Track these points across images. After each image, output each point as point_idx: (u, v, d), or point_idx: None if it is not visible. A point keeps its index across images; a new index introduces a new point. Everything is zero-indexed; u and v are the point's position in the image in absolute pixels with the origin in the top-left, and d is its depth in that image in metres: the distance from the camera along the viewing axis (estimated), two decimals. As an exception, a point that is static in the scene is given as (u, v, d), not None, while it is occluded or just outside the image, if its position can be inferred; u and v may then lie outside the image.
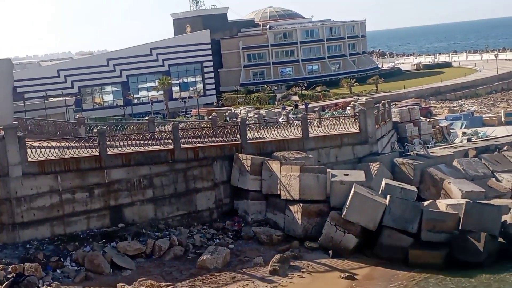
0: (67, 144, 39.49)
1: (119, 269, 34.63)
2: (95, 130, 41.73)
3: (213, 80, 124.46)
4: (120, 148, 39.37)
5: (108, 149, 38.53)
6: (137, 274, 33.98)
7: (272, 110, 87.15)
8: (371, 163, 42.24)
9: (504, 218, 35.75)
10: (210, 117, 53.77)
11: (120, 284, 32.30)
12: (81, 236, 36.86)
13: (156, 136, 41.97)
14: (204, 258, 34.96)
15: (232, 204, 41.33)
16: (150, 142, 40.96)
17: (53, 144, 39.11)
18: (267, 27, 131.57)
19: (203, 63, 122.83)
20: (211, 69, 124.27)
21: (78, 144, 39.23)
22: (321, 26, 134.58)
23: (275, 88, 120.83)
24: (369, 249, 36.19)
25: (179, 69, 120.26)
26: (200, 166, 40.43)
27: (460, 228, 34.96)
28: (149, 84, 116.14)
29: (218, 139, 42.19)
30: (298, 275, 33.77)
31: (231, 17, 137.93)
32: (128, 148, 39.50)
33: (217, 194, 40.83)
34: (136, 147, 39.73)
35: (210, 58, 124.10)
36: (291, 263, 34.80)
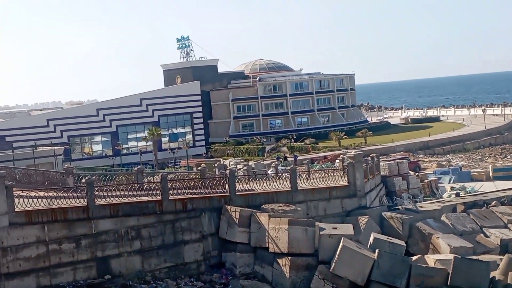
0: (55, 194, 39.29)
1: (104, 322, 34.23)
2: (83, 180, 41.53)
3: (202, 131, 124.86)
4: (108, 199, 39.15)
5: (96, 200, 38.34)
6: (123, 327, 33.58)
7: (261, 162, 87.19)
8: (360, 217, 42.20)
9: (492, 274, 35.66)
10: (199, 168, 53.74)
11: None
12: (67, 287, 36.47)
13: (144, 187, 41.83)
14: (191, 311, 34.60)
15: (220, 256, 41.05)
16: (139, 193, 40.80)
17: (41, 193, 38.87)
18: (257, 79, 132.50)
19: (192, 114, 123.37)
20: (201, 120, 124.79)
21: (66, 194, 39.07)
22: (310, 79, 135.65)
23: (264, 140, 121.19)
24: (358, 303, 35.94)
25: (169, 119, 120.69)
26: (189, 218, 40.25)
27: (448, 283, 34.81)
28: (139, 135, 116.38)
29: (206, 191, 42.10)
30: (286, 330, 33.42)
31: (221, 68, 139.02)
32: (116, 198, 39.30)
33: (205, 246, 40.57)
34: (124, 198, 39.55)
35: (200, 109, 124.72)
36: (279, 317, 34.47)
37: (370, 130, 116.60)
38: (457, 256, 36.22)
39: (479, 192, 53.38)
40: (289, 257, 37.60)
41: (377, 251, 36.39)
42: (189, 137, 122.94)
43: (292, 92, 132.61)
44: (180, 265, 39.66)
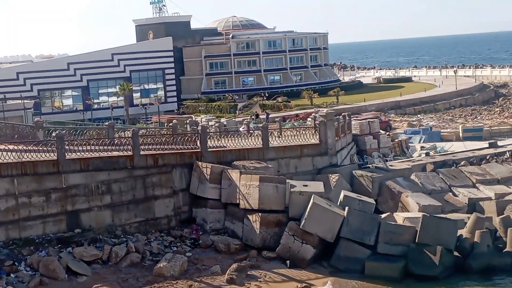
0: (24, 147, 39.02)
1: (74, 275, 34.34)
2: (53, 134, 41.22)
3: (174, 88, 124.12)
4: (78, 153, 39.01)
5: (66, 154, 38.19)
6: (93, 280, 33.74)
7: (233, 119, 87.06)
8: (330, 175, 42.43)
9: (460, 232, 36.18)
10: (171, 124, 53.55)
11: (75, 290, 31.99)
12: (37, 240, 36.43)
13: (115, 142, 41.68)
14: (161, 265, 34.78)
15: (190, 212, 41.22)
16: (109, 147, 40.67)
17: (11, 147, 38.63)
18: (230, 36, 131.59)
19: (164, 70, 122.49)
20: (173, 76, 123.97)
21: (36, 148, 38.80)
22: (283, 37, 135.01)
23: (237, 97, 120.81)
24: (327, 260, 36.33)
25: (141, 75, 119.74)
26: (159, 173, 40.25)
27: (416, 241, 35.27)
28: (110, 90, 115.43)
29: (178, 147, 42.04)
30: (255, 285, 33.78)
31: (194, 25, 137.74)
32: (87, 153, 39.15)
33: (176, 201, 40.67)
34: (95, 153, 39.41)
35: (172, 65, 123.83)
36: (248, 273, 34.78)
37: (342, 89, 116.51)
38: (426, 214, 36.67)
39: (449, 152, 53.79)
40: (260, 214, 37.83)
41: (346, 208, 36.71)
42: (161, 93, 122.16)
43: (265, 50, 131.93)
44: (151, 220, 39.79)
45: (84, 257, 35.47)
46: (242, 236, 38.66)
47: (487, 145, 54.28)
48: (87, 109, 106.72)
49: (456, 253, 35.61)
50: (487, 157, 49.64)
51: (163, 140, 43.28)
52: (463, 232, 36.41)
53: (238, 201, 39.13)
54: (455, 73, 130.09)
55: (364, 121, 59.46)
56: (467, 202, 43.12)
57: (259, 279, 34.33)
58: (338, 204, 38.37)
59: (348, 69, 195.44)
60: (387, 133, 61.99)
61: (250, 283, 33.82)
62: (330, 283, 34.01)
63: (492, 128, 70.21)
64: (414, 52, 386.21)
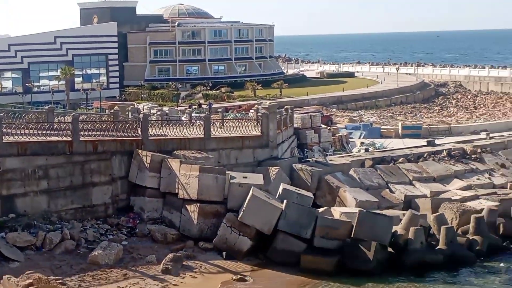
0: (-40, 129, 38.21)
1: (6, 261, 33.84)
2: (-10, 116, 40.44)
3: (117, 74, 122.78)
4: (16, 137, 38.39)
5: (3, 137, 37.53)
6: (26, 267, 33.22)
7: (176, 108, 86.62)
8: (270, 167, 42.60)
9: (394, 228, 36.71)
10: (112, 111, 53.02)
11: (7, 276, 31.39)
12: (-30, 224, 35.79)
13: (54, 127, 41.11)
14: (96, 253, 34.51)
15: (128, 200, 40.95)
16: (48, 132, 40.11)
17: None
18: (176, 24, 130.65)
19: (108, 56, 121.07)
20: (116, 62, 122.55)
21: (-28, 130, 38.04)
22: (229, 27, 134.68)
23: (180, 86, 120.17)
24: (263, 252, 36.50)
25: (83, 59, 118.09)
26: (99, 160, 39.87)
27: (352, 236, 35.68)
28: (51, 73, 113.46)
29: (118, 134, 41.68)
30: (190, 275, 33.79)
31: (140, 11, 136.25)
32: (25, 137, 38.55)
33: (114, 189, 40.33)
34: (33, 137, 38.83)
35: (116, 51, 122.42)
36: (184, 263, 34.77)
37: (286, 82, 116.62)
38: (362, 209, 37.09)
39: (388, 149, 54.53)
40: (198, 204, 37.83)
41: (285, 201, 36.91)
42: (103, 78, 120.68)
43: (210, 39, 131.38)
44: (88, 207, 39.41)
45: (18, 243, 34.97)
46: (180, 226, 38.58)
47: (425, 143, 55.18)
48: (27, 92, 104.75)
49: (390, 249, 36.14)
50: (425, 155, 50.51)
51: (104, 126, 42.85)
52: (398, 228, 36.97)
53: (177, 191, 39.02)
54: (397, 70, 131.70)
55: (306, 115, 59.81)
56: (403, 199, 43.82)
57: (194, 270, 34.36)
58: (277, 197, 38.57)
59: (293, 62, 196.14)
60: (328, 128, 62.44)
61: (185, 274, 33.82)
62: (255, 276, 34.29)
63: (431, 126, 71.32)
64: (358, 48, 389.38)
